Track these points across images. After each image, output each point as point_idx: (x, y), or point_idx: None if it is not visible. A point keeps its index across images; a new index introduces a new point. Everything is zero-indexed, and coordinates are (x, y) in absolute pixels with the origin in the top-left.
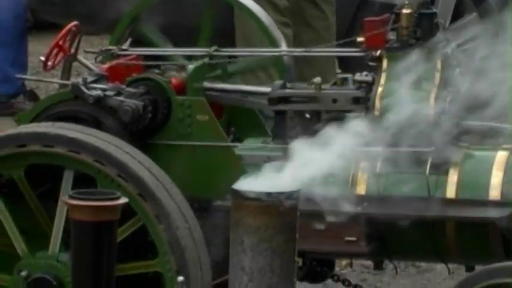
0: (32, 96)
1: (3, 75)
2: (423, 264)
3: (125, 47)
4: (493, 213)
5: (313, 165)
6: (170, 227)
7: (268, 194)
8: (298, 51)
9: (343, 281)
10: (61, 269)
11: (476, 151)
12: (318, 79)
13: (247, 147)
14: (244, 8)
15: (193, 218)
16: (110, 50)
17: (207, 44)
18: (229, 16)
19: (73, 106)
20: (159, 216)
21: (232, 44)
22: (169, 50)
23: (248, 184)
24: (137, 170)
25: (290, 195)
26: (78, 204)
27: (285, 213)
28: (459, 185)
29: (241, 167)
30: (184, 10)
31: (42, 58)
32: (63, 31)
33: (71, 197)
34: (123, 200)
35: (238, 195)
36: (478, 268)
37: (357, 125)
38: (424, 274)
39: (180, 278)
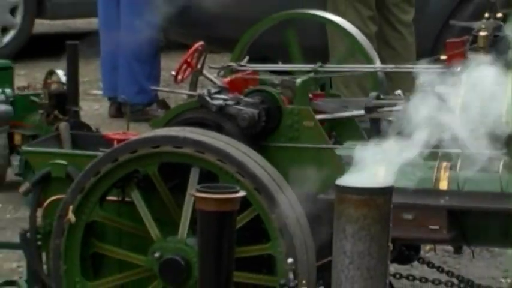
0: (164, 105)
1: (140, 87)
2: (496, 250)
3: (243, 63)
4: None
5: (403, 164)
6: (281, 217)
7: (367, 189)
8: (390, 68)
9: (428, 263)
10: (188, 251)
11: None
12: (399, 91)
13: (346, 149)
14: (340, 28)
15: (300, 208)
16: (230, 66)
17: (299, 61)
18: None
19: (199, 113)
20: (271, 207)
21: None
22: (281, 66)
23: (349, 180)
24: (253, 168)
25: (384, 190)
26: (204, 196)
27: (381, 205)
28: None
29: (342, 166)
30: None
31: (173, 73)
32: (191, 50)
33: (198, 191)
34: (242, 193)
35: (341, 189)
36: None
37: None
38: (497, 258)
39: (290, 260)
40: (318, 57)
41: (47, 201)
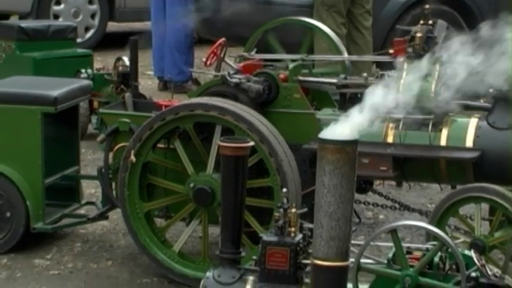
0: (196, 82)
1: (180, 70)
2: (424, 184)
3: (252, 53)
4: (468, 155)
5: (362, 123)
6: (277, 160)
7: (340, 141)
8: (354, 58)
9: (378, 193)
10: (214, 183)
11: (459, 118)
12: (364, 74)
13: (323, 113)
14: (322, 30)
15: (291, 154)
16: (243, 55)
17: (304, 53)
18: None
19: (221, 88)
20: (271, 153)
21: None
22: (279, 56)
23: (327, 134)
24: (258, 126)
25: (352, 141)
26: (225, 145)
27: (349, 152)
28: (448, 137)
29: (319, 125)
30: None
31: (204, 59)
32: (216, 44)
33: (221, 141)
34: (251, 143)
35: (322, 141)
36: (459, 187)
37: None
38: (425, 190)
39: (284, 190)
40: (295, 50)
41: (116, 147)
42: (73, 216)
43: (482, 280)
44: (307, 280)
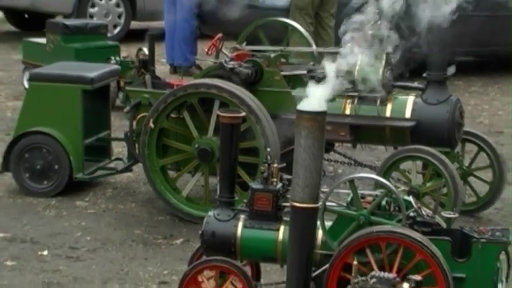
0: (199, 67)
1: (186, 58)
2: (373, 146)
3: (243, 45)
4: (406, 123)
5: (327, 100)
6: (262, 127)
7: (312, 111)
8: (321, 50)
9: (338, 153)
10: (214, 144)
11: (400, 95)
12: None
13: (297, 92)
14: (296, 28)
15: (272, 122)
16: (236, 47)
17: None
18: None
19: (219, 72)
20: (257, 122)
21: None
22: (263, 48)
23: (302, 107)
24: (248, 101)
25: (321, 112)
26: (223, 115)
27: (319, 120)
28: (392, 110)
29: (295, 101)
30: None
31: (206, 50)
32: (215, 38)
33: (220, 112)
34: (242, 114)
35: (299, 112)
36: (400, 148)
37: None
38: (374, 150)
39: (268, 149)
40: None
41: (138, 117)
42: (105, 169)
43: (418, 219)
44: (285, 218)
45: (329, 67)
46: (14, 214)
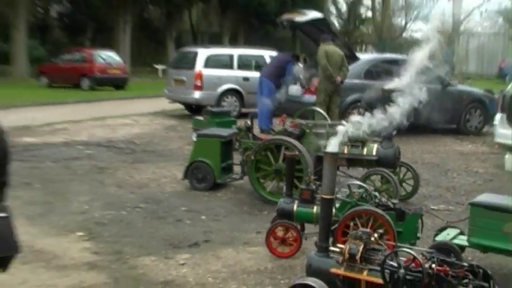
0: (273, 130)
1: (267, 125)
2: (357, 168)
3: (296, 120)
4: (374, 157)
5: (336, 146)
6: (304, 158)
7: (330, 152)
8: (331, 123)
9: (341, 171)
10: (282, 167)
11: (371, 143)
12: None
13: (322, 142)
14: (320, 112)
15: (309, 156)
16: (292, 121)
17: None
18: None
19: (284, 132)
20: (302, 156)
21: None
22: (305, 121)
23: (327, 149)
24: (298, 146)
25: (334, 152)
26: (287, 153)
27: (334, 156)
28: (367, 151)
29: (320, 146)
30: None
31: (278, 122)
32: (282, 116)
33: (286, 151)
34: (296, 153)
35: (325, 152)
36: (370, 169)
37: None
38: (357, 170)
39: (308, 169)
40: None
41: (246, 153)
42: (230, 178)
43: (380, 203)
44: (317, 203)
45: (339, 129)
46: (190, 198)
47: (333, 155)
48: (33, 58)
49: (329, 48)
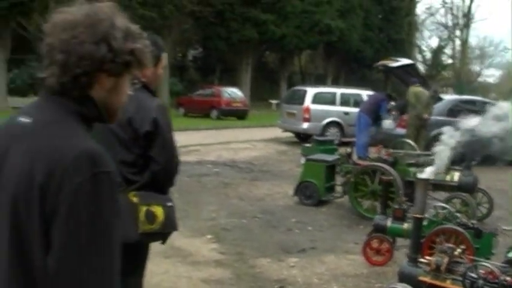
0: (369, 157)
1: (364, 153)
2: (440, 192)
3: (389, 150)
4: (455, 183)
5: (429, 175)
6: (396, 181)
7: (422, 178)
8: (419, 153)
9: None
10: (377, 188)
11: (452, 172)
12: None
13: (412, 169)
14: (409, 143)
15: (400, 180)
16: (387, 150)
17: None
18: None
19: (379, 160)
20: (394, 180)
21: None
22: (397, 151)
23: (420, 175)
24: (391, 171)
25: (425, 178)
26: (383, 177)
27: (425, 181)
28: (450, 178)
29: (410, 172)
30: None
31: (373, 151)
32: (378, 147)
33: (381, 177)
34: (391, 177)
35: (417, 178)
36: (451, 193)
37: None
38: (440, 193)
39: (400, 191)
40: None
41: (346, 176)
42: (333, 196)
43: (461, 223)
44: (408, 220)
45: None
46: (298, 212)
47: (425, 181)
48: (173, 92)
49: (418, 90)
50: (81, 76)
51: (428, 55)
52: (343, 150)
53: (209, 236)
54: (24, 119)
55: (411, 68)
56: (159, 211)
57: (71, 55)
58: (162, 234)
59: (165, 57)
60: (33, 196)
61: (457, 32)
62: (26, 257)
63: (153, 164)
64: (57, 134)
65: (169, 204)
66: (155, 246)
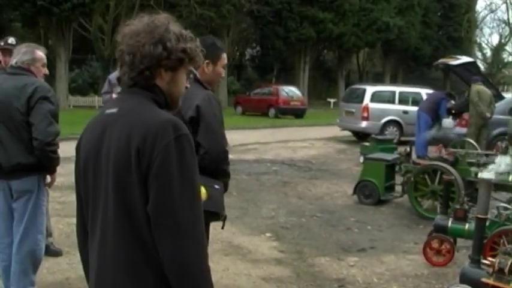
0: (428, 157)
1: (423, 152)
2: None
3: (449, 149)
4: None
5: (490, 175)
6: (457, 181)
7: (484, 178)
8: (481, 152)
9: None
10: (437, 188)
11: None
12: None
13: (472, 169)
14: (471, 142)
15: (461, 179)
16: (447, 150)
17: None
18: None
19: (439, 159)
20: (455, 179)
21: None
22: (457, 150)
23: (481, 175)
24: (452, 171)
25: (488, 179)
26: (445, 177)
27: (488, 181)
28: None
29: (470, 172)
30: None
31: (434, 150)
32: (439, 146)
33: (443, 177)
34: (452, 177)
35: (481, 178)
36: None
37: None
38: (501, 193)
39: (462, 192)
40: None
41: (406, 176)
42: (393, 196)
43: None
44: (470, 220)
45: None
46: (357, 211)
47: (489, 181)
48: (230, 91)
49: (480, 88)
50: (145, 70)
51: (488, 53)
52: (402, 149)
53: (268, 234)
54: (110, 110)
55: (472, 66)
56: (201, 191)
57: (136, 55)
58: (211, 213)
59: (224, 57)
60: (131, 157)
61: None
62: (128, 206)
63: (200, 149)
64: (143, 112)
65: (216, 186)
66: (215, 244)
